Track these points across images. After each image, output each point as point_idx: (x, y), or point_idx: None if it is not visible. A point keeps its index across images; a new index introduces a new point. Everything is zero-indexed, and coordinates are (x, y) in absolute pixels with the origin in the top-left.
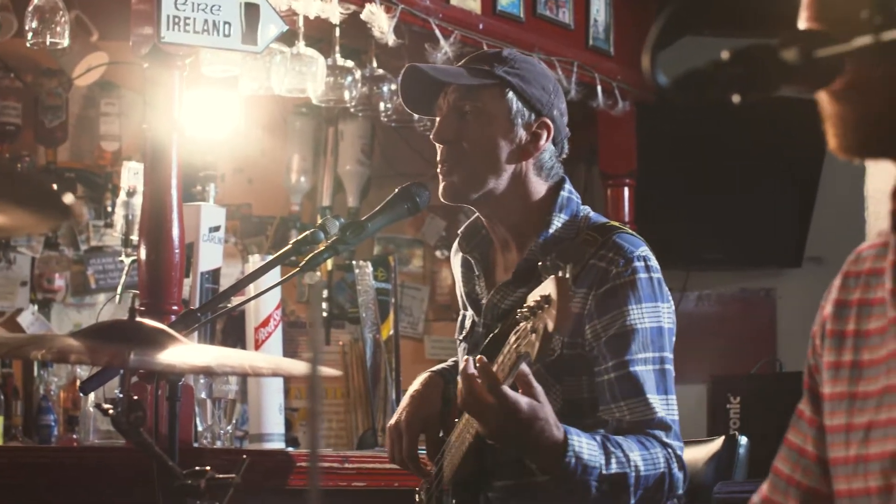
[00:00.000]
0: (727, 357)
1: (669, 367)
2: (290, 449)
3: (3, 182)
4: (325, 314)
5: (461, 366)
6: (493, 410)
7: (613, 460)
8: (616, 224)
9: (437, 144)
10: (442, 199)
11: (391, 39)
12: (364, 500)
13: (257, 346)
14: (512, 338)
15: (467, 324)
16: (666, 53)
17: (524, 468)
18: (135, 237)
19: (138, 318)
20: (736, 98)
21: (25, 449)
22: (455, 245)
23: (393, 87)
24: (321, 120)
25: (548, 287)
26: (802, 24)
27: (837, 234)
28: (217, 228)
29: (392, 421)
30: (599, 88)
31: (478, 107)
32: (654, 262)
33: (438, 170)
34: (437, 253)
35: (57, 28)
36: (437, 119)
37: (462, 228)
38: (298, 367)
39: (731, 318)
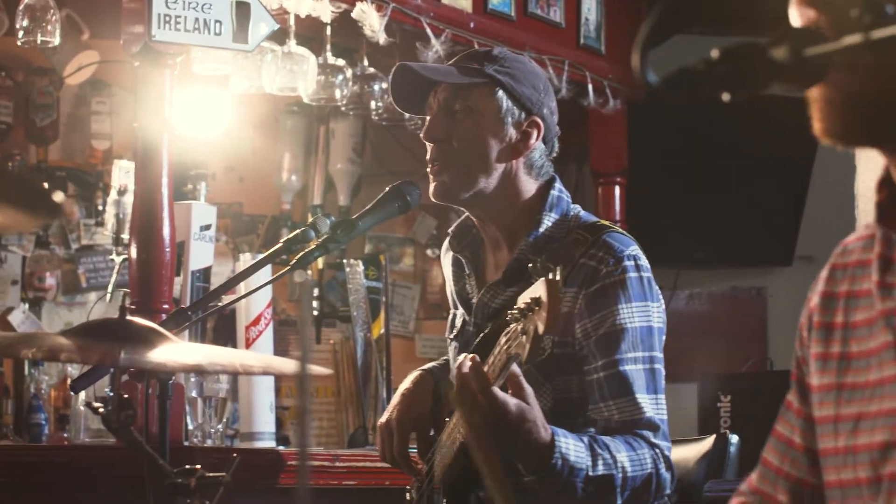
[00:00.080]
0: (718, 356)
1: (659, 366)
2: (280, 447)
3: None
4: (315, 313)
5: (452, 365)
6: (481, 410)
7: (600, 462)
8: (606, 223)
9: (427, 143)
10: (432, 199)
11: (382, 38)
12: (355, 498)
13: (248, 345)
14: (502, 339)
15: (458, 323)
16: (656, 52)
17: (515, 467)
18: (126, 236)
19: (129, 317)
20: (726, 96)
21: (16, 448)
22: (445, 244)
23: (384, 85)
24: (312, 118)
25: (538, 289)
26: (791, 6)
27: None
28: (208, 227)
29: (383, 419)
30: (590, 87)
31: (468, 105)
32: (644, 262)
33: (428, 169)
34: (428, 251)
35: (48, 27)
36: (427, 118)
37: (452, 227)
38: (289, 365)
39: (721, 316)
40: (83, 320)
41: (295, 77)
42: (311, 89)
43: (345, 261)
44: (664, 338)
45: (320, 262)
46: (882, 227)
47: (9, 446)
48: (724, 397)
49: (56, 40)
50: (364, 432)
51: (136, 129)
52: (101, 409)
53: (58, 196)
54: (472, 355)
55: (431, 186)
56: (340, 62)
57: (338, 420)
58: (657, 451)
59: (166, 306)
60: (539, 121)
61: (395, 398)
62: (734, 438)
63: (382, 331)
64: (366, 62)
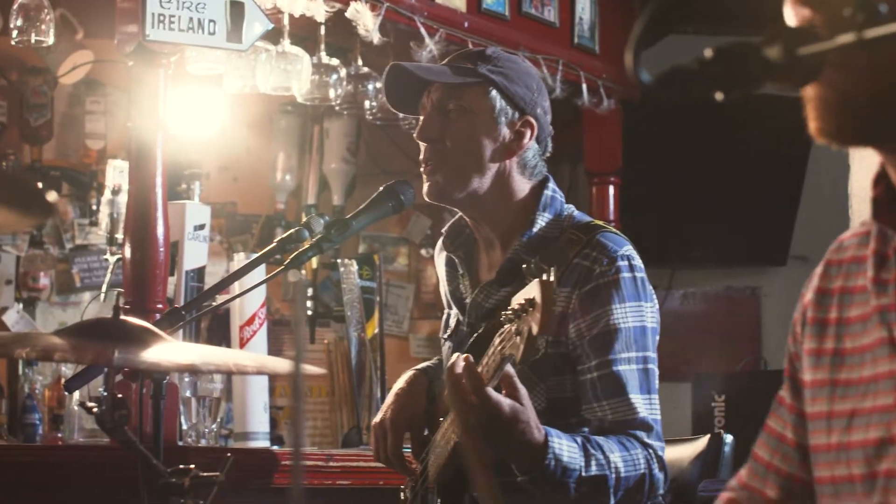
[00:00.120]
0: (713, 355)
1: (653, 366)
2: (274, 447)
3: None
4: (309, 312)
5: (445, 364)
6: (475, 410)
7: (593, 462)
8: (600, 223)
9: (420, 143)
10: (426, 199)
11: (376, 37)
12: (348, 498)
13: (242, 345)
14: (496, 339)
15: (452, 322)
16: (650, 52)
17: (509, 467)
18: (120, 235)
19: (123, 317)
20: (719, 96)
21: (10, 448)
22: (439, 244)
23: (378, 85)
24: (306, 118)
25: (532, 290)
26: (787, 4)
27: (822, 233)
28: (202, 227)
29: (377, 419)
30: (584, 87)
31: (461, 105)
32: (637, 262)
33: (422, 169)
34: (423, 251)
35: (42, 26)
36: (421, 118)
37: (446, 227)
38: (283, 365)
39: (716, 316)
40: (77, 320)
41: (289, 77)
42: (306, 89)
43: (339, 260)
44: (658, 338)
45: (314, 262)
46: (878, 223)
47: (3, 446)
48: (718, 397)
49: (50, 40)
50: (358, 432)
51: (130, 129)
52: (95, 409)
53: (51, 195)
54: (465, 355)
55: (425, 186)
56: (334, 62)
57: (332, 420)
58: (650, 451)
59: (160, 306)
60: (532, 120)
61: (390, 398)
62: (728, 438)
63: (377, 330)
64: (360, 62)
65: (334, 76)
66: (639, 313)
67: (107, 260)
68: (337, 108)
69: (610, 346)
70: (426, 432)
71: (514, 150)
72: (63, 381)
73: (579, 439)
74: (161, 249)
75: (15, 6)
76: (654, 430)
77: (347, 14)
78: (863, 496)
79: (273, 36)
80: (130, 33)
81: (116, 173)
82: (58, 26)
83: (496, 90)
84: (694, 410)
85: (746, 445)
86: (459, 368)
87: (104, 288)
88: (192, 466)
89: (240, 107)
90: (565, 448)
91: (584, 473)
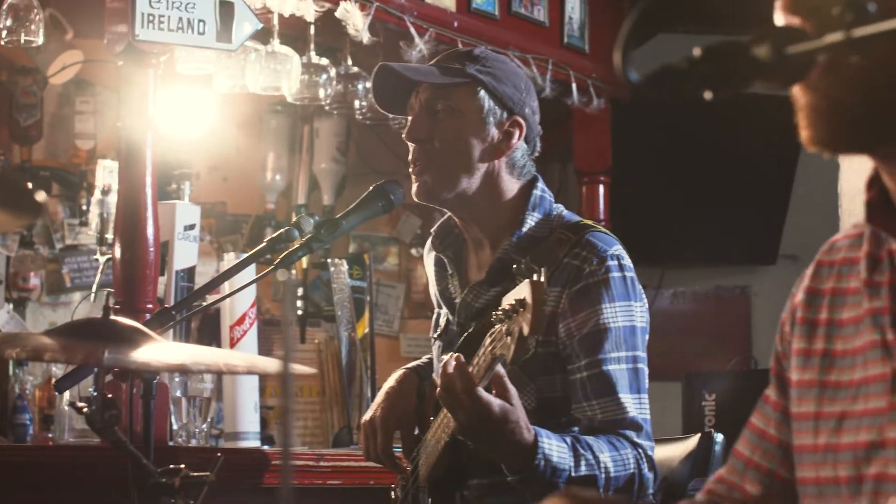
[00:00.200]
0: (702, 354)
1: (642, 366)
2: (265, 447)
3: None
4: (300, 312)
5: (436, 364)
6: (465, 410)
7: (583, 463)
8: (589, 222)
9: (409, 143)
10: (415, 199)
11: (366, 37)
12: (339, 498)
13: (232, 345)
14: (487, 339)
15: (442, 322)
16: (641, 51)
17: (499, 467)
18: (110, 235)
19: (113, 317)
20: (708, 95)
21: (0, 448)
22: (428, 243)
23: (368, 84)
24: (296, 118)
25: (523, 290)
26: (777, 12)
27: (812, 232)
28: (192, 227)
29: (366, 417)
30: (574, 86)
31: (449, 105)
32: (627, 261)
33: (411, 170)
34: (413, 251)
35: (31, 26)
36: (410, 118)
37: (435, 227)
38: (273, 365)
39: (706, 315)
40: (67, 320)
41: (279, 76)
42: (295, 89)
43: (329, 260)
44: (647, 337)
45: (304, 262)
46: (871, 225)
47: None
48: (708, 396)
49: (40, 40)
50: (349, 432)
51: (119, 129)
52: (85, 409)
53: (40, 196)
54: (457, 355)
55: (414, 187)
56: (324, 61)
57: (322, 419)
58: (640, 451)
59: (150, 306)
60: (521, 120)
61: (380, 396)
62: (719, 437)
63: (367, 330)
64: (349, 61)
65: (324, 76)
66: (628, 313)
67: (97, 260)
68: (327, 107)
69: (600, 346)
70: (416, 430)
71: (503, 150)
72: (53, 381)
73: (569, 439)
74: (151, 249)
75: (4, 6)
76: (644, 429)
77: (337, 14)
78: (847, 498)
79: (263, 36)
80: (120, 33)
81: (106, 173)
82: (47, 26)
83: (484, 90)
84: (684, 410)
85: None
86: (451, 368)
87: (94, 288)
88: (183, 466)
89: (229, 107)
90: (555, 448)
91: (573, 473)
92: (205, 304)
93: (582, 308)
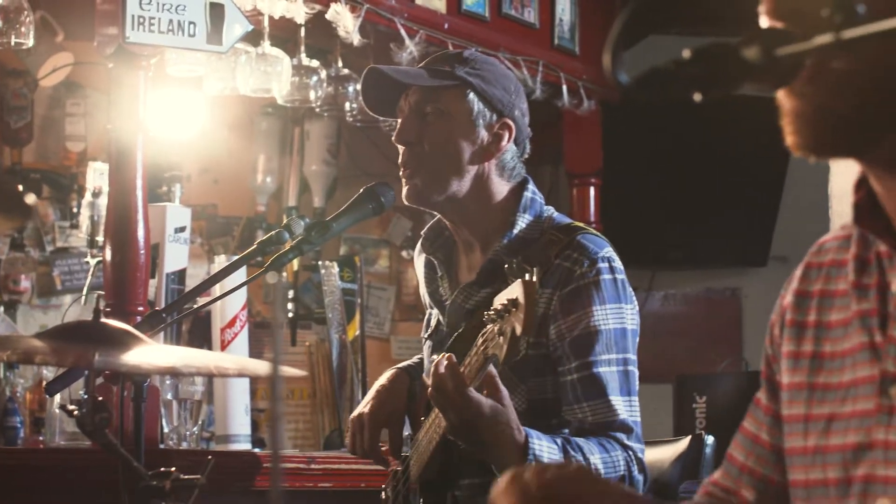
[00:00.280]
0: (693, 356)
1: (633, 368)
2: (256, 450)
3: None
4: (291, 315)
5: (426, 364)
6: (456, 410)
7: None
8: (580, 224)
9: (398, 146)
10: (405, 202)
11: (356, 39)
12: (330, 500)
13: (223, 347)
14: (479, 339)
15: (433, 322)
16: (633, 53)
17: (489, 468)
18: (100, 238)
19: (103, 319)
20: (697, 97)
21: None
22: (418, 245)
23: (358, 86)
24: (287, 120)
25: (515, 290)
26: (762, 17)
27: (803, 234)
28: (183, 229)
29: (355, 413)
30: (565, 88)
31: (439, 108)
32: (618, 263)
33: (401, 173)
34: (403, 253)
35: (22, 28)
36: (399, 121)
37: (425, 229)
38: (264, 367)
39: (696, 317)
40: (58, 323)
41: (269, 78)
42: (286, 91)
43: (320, 262)
44: (638, 340)
45: (295, 264)
46: (859, 227)
47: None
48: (699, 398)
49: (30, 42)
50: (339, 434)
51: (110, 131)
52: (76, 412)
53: (30, 198)
54: (448, 355)
55: (404, 190)
56: (315, 63)
57: (313, 422)
58: (630, 453)
59: (141, 308)
60: (510, 122)
61: (370, 393)
62: (709, 439)
63: (358, 332)
64: (340, 63)
65: (314, 78)
66: (619, 315)
67: (87, 262)
68: (317, 109)
69: (590, 348)
70: (406, 430)
71: (493, 153)
72: (44, 383)
73: (559, 440)
74: (142, 252)
75: None
76: (634, 431)
77: (327, 16)
78: (836, 500)
79: (253, 38)
80: (110, 35)
81: (97, 176)
82: (37, 28)
83: (473, 93)
84: (675, 412)
85: (728, 447)
86: (443, 368)
87: (85, 291)
88: (173, 469)
89: (220, 109)
90: (545, 449)
91: None
92: (195, 306)
93: (573, 310)
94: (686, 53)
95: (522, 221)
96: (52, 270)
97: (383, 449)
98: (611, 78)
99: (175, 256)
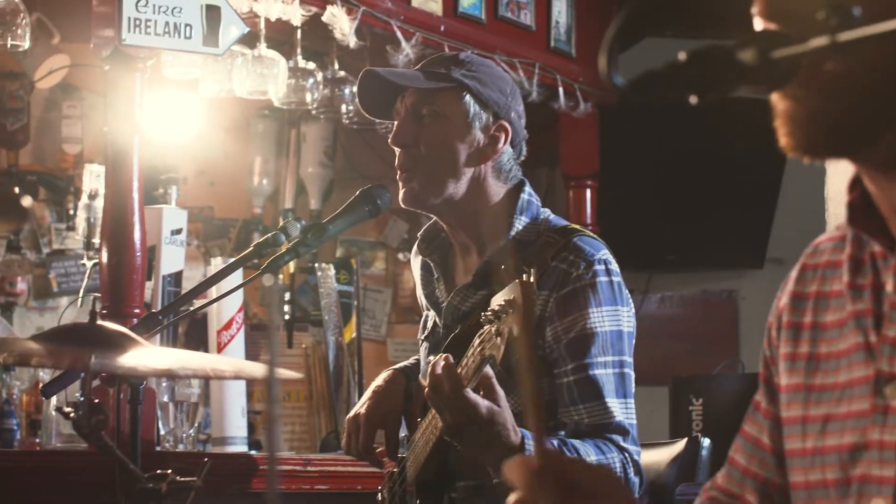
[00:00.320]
0: (690, 359)
1: (629, 370)
2: (252, 452)
3: None
4: (287, 317)
5: (423, 365)
6: (453, 411)
7: None
8: (576, 227)
9: (395, 148)
10: (402, 205)
11: (353, 41)
12: (326, 503)
13: (220, 349)
14: (476, 340)
15: (429, 324)
16: (630, 55)
17: (485, 469)
18: (97, 240)
19: (100, 322)
20: (693, 99)
21: None
22: (415, 247)
23: (355, 89)
24: (283, 122)
25: (512, 291)
26: (755, 19)
27: (799, 236)
28: (179, 231)
29: (352, 413)
30: (561, 90)
31: (435, 110)
32: (614, 266)
33: (398, 176)
34: (400, 255)
35: (18, 30)
36: (395, 123)
37: (422, 231)
38: (260, 370)
39: (693, 319)
40: (55, 325)
41: (265, 81)
42: (282, 93)
43: (316, 265)
44: (634, 342)
45: (292, 266)
46: (853, 228)
47: None
48: (695, 400)
49: (26, 44)
50: (336, 436)
51: (106, 133)
52: (73, 414)
53: (26, 201)
54: (445, 355)
55: (401, 193)
56: (311, 66)
57: (310, 424)
58: (626, 455)
59: (137, 311)
60: (507, 125)
61: (367, 394)
62: (706, 442)
63: (354, 335)
64: (336, 66)
65: (311, 80)
66: (615, 317)
67: (84, 265)
68: (314, 112)
69: (586, 350)
70: (402, 430)
71: (489, 155)
72: (40, 386)
73: (556, 442)
74: (138, 254)
75: None
76: (630, 434)
77: (324, 18)
78: (836, 501)
79: (249, 40)
80: (106, 37)
81: (93, 178)
82: (34, 31)
83: (470, 95)
84: (672, 414)
85: (724, 449)
86: (439, 369)
87: (81, 293)
88: (170, 471)
89: (216, 111)
90: None
91: None
92: (192, 308)
93: (569, 312)
94: (682, 56)
95: (519, 224)
96: (48, 272)
97: (379, 450)
98: (607, 80)
99: (171, 259)
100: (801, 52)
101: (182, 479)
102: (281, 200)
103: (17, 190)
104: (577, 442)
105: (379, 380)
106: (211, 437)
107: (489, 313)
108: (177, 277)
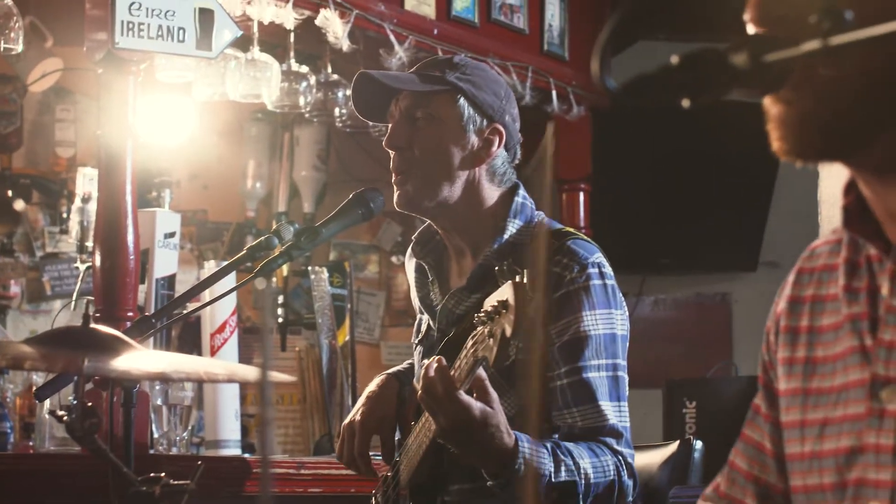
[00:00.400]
0: (683, 361)
1: (622, 373)
2: (245, 455)
3: None
4: (280, 320)
5: (416, 369)
6: (446, 413)
7: (563, 468)
8: (570, 230)
9: (389, 151)
10: (396, 208)
11: (346, 45)
12: None
13: (213, 353)
14: (469, 342)
15: (423, 327)
16: (623, 59)
17: (479, 472)
18: (90, 243)
19: (93, 325)
20: (685, 102)
21: None
22: (409, 250)
23: (348, 92)
24: (276, 126)
25: (505, 292)
26: (748, 24)
27: (793, 239)
28: (172, 234)
29: (346, 420)
30: (554, 93)
31: (429, 113)
32: (607, 269)
33: (393, 179)
34: (393, 258)
35: (11, 34)
36: (389, 126)
37: (416, 234)
38: (253, 373)
39: (686, 322)
40: (48, 328)
41: (259, 84)
42: (275, 96)
43: (309, 268)
44: (627, 345)
45: (285, 270)
46: (849, 231)
47: None
48: (689, 403)
49: (19, 47)
50: (330, 439)
51: (99, 137)
52: (66, 418)
53: (18, 204)
54: (438, 358)
55: (396, 196)
56: (304, 69)
57: (303, 427)
58: (620, 458)
59: (130, 314)
60: (501, 128)
61: (361, 400)
62: (698, 444)
63: (347, 338)
64: (329, 69)
65: (304, 83)
66: (609, 320)
67: (77, 268)
68: (307, 115)
69: (580, 353)
70: (397, 436)
71: (483, 158)
72: (34, 389)
73: (549, 445)
74: (131, 257)
75: None
76: (624, 437)
77: (317, 21)
78: None
79: (242, 43)
80: (100, 41)
81: (86, 181)
82: (27, 34)
83: (464, 98)
84: (665, 417)
85: (717, 451)
86: (433, 371)
87: (75, 296)
88: (163, 475)
89: (210, 114)
90: (535, 453)
91: (553, 479)
92: (185, 311)
93: (562, 315)
94: (674, 59)
95: (513, 227)
96: (41, 276)
97: (376, 457)
98: (599, 83)
99: (164, 262)
100: (793, 55)
101: (175, 482)
102: (274, 204)
103: (10, 193)
104: (570, 445)
105: (372, 385)
106: (204, 440)
107: (482, 314)
108: (170, 281)
